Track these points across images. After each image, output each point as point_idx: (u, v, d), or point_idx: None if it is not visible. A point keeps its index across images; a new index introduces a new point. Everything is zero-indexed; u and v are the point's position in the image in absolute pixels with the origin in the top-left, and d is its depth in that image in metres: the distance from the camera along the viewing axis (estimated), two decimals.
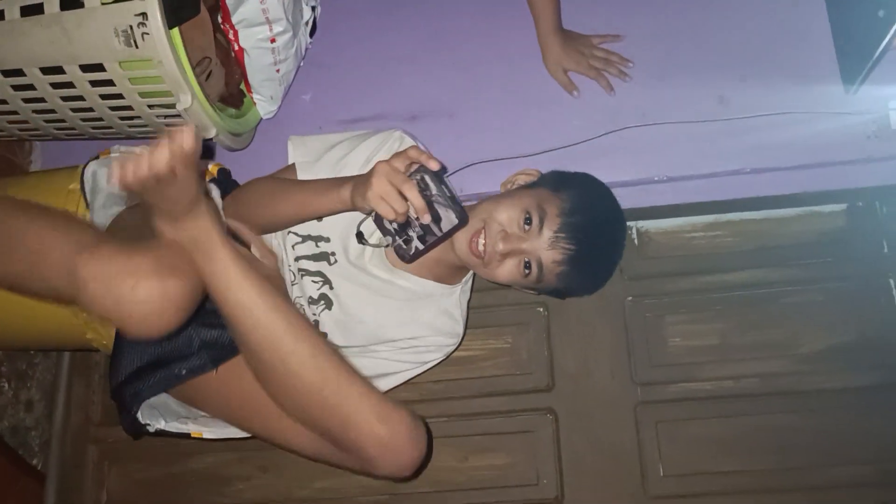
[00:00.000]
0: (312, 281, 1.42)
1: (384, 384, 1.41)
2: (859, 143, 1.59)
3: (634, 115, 1.64)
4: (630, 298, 1.71)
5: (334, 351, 1.08)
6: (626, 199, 1.58)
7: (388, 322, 1.42)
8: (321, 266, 1.42)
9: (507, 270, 1.32)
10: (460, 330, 1.47)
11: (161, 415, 1.31)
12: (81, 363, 1.81)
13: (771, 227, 1.72)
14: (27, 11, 1.32)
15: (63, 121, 1.50)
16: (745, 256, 1.71)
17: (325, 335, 1.40)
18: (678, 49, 1.66)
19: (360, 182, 1.18)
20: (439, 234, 1.20)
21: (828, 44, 1.60)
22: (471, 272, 1.49)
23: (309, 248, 1.42)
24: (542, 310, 1.73)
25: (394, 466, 1.04)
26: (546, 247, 1.29)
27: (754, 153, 1.61)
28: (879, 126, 1.59)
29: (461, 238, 1.32)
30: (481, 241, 1.31)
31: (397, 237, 1.21)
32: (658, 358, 1.69)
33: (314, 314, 1.42)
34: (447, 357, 1.48)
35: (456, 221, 1.19)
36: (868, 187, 1.62)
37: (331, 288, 1.41)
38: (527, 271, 1.31)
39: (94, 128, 1.52)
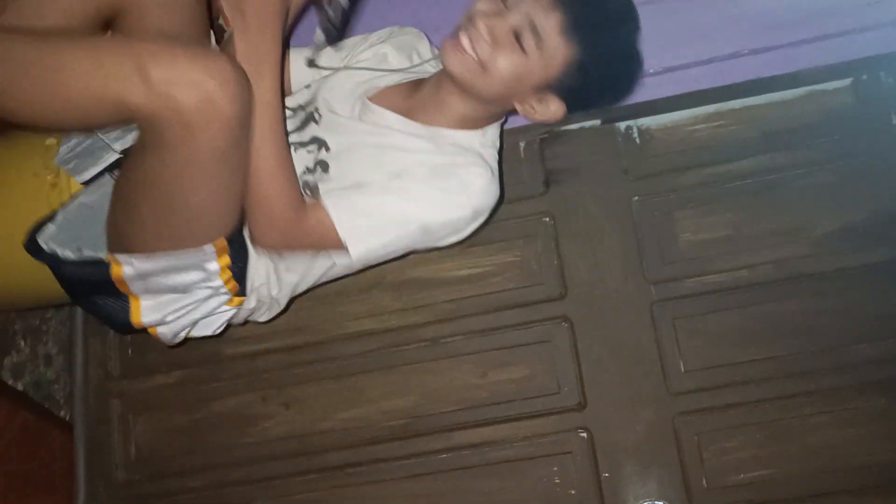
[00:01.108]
0: (307, 151, 1.29)
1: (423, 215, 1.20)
2: (859, 11, 1.54)
3: None
4: (636, 198, 1.68)
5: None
6: None
7: (402, 166, 1.23)
8: (310, 130, 1.30)
9: (506, 56, 1.15)
10: (495, 166, 1.27)
11: (78, 244, 1.20)
12: (95, 320, 1.80)
13: (775, 111, 1.67)
14: None
15: None
16: (751, 144, 1.67)
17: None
18: None
19: None
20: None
21: None
22: (496, 126, 1.31)
23: (298, 119, 1.33)
24: (548, 219, 1.70)
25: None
26: (540, 7, 1.13)
27: (751, 33, 1.57)
28: None
29: (448, 52, 1.18)
30: (463, 36, 1.17)
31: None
32: (670, 255, 1.66)
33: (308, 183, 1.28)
34: (487, 213, 1.25)
35: None
36: (872, 56, 1.57)
37: (327, 150, 1.28)
38: (523, 49, 1.14)
39: None
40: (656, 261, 1.66)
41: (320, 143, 1.29)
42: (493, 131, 1.30)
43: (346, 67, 1.39)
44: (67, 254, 1.19)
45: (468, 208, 1.21)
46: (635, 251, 1.67)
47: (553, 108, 1.22)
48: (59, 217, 1.21)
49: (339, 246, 1.20)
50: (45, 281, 1.29)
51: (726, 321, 1.62)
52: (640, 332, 1.64)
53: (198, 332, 1.32)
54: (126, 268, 1.17)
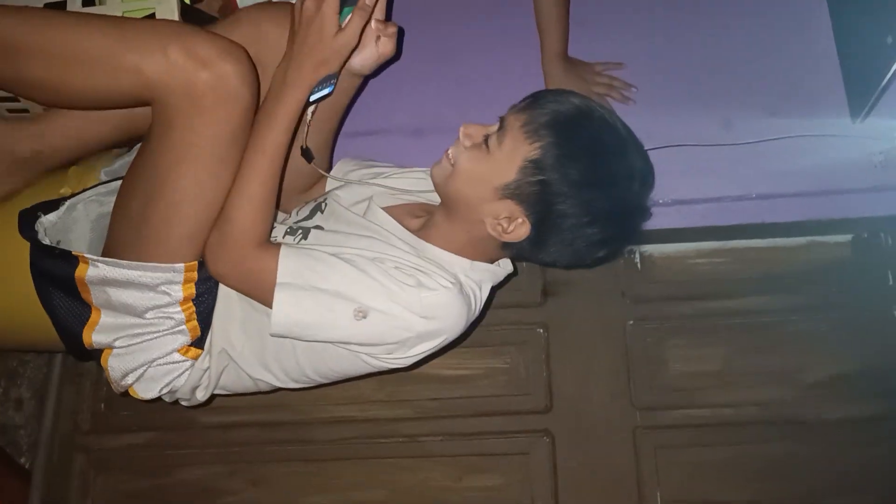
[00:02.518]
0: (301, 231, 1.28)
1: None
2: (866, 173, 1.59)
3: (639, 138, 1.63)
4: (631, 322, 1.69)
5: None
6: None
7: (375, 256, 1.18)
8: (315, 219, 1.30)
9: (470, 153, 1.14)
10: (471, 301, 1.19)
11: (62, 238, 1.24)
12: (72, 370, 1.78)
13: (775, 255, 1.71)
14: None
15: None
16: (749, 283, 1.70)
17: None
18: (684, 74, 1.66)
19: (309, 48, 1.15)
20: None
21: (835, 72, 1.60)
22: (488, 269, 1.23)
23: (308, 209, 1.34)
24: (541, 330, 1.71)
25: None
26: (516, 110, 1.14)
27: (760, 179, 1.61)
28: (887, 156, 1.58)
29: (434, 164, 1.20)
30: (449, 147, 1.18)
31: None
32: (658, 382, 1.66)
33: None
34: (436, 342, 1.16)
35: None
36: (874, 217, 1.61)
37: (317, 229, 1.26)
38: (489, 148, 1.13)
39: None
40: (644, 386, 1.66)
41: (316, 227, 1.28)
42: (483, 268, 1.22)
43: (365, 182, 1.39)
44: (47, 241, 1.23)
45: (415, 316, 1.11)
46: (624, 374, 1.67)
47: (520, 226, 1.13)
48: (63, 208, 1.26)
49: (270, 296, 1.13)
50: (35, 322, 1.28)
51: (707, 456, 1.62)
52: (620, 456, 1.63)
53: (142, 389, 1.27)
54: (91, 269, 1.16)
